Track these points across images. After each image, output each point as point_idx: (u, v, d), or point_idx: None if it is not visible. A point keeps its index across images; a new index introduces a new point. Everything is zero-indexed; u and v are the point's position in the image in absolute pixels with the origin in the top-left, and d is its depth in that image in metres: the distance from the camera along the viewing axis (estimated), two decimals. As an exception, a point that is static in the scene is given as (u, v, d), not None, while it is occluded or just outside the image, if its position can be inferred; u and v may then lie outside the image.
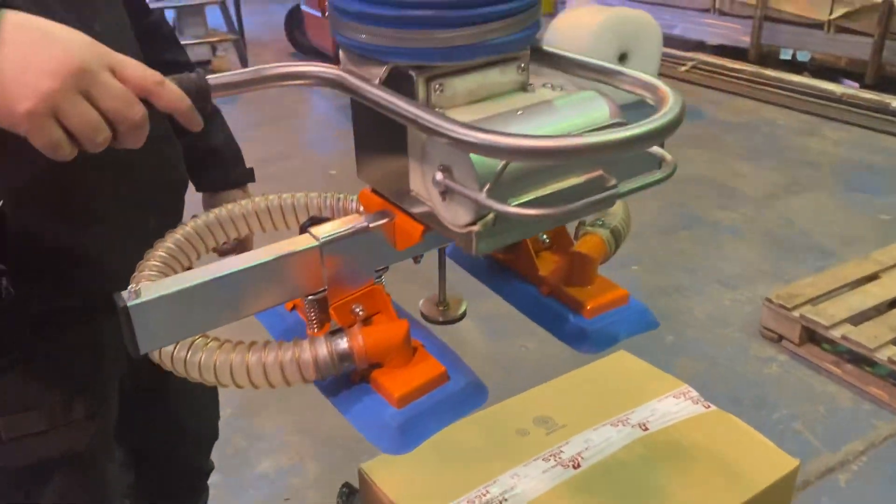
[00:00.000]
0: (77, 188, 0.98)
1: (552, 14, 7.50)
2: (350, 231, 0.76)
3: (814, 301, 2.62)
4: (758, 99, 5.41)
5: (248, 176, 1.41)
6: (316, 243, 0.74)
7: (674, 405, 1.44)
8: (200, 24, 6.76)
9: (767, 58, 5.95)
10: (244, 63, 6.48)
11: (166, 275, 0.76)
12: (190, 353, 0.71)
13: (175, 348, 0.72)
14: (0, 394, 1.00)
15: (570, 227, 0.96)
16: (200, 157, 1.36)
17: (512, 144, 0.56)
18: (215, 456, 1.53)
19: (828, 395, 2.42)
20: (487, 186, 0.60)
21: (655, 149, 0.69)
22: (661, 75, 5.56)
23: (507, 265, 0.93)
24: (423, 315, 0.90)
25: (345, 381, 0.76)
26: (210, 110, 0.72)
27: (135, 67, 0.65)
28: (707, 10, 6.31)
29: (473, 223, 0.64)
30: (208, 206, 1.38)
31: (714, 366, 2.58)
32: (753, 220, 3.61)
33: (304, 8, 6.54)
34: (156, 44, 1.26)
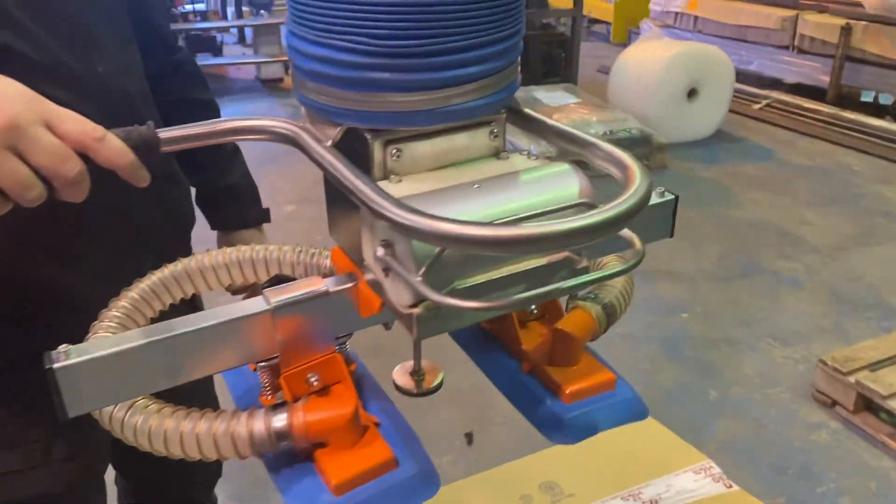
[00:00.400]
0: (64, 227, 0.96)
1: (626, 44, 7.40)
2: (307, 295, 0.70)
3: (873, 366, 2.44)
4: (834, 142, 5.17)
5: (264, 216, 1.39)
6: (267, 307, 0.69)
7: (692, 481, 1.34)
8: (275, 43, 6.92)
9: (846, 99, 5.69)
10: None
11: (127, 327, 0.73)
12: (128, 414, 0.68)
13: (115, 408, 0.68)
14: None
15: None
16: (215, 195, 1.34)
17: (439, 230, 0.50)
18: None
19: (881, 471, 2.24)
20: (423, 270, 0.54)
21: (625, 231, 0.62)
22: (732, 112, 5.39)
23: (493, 335, 0.87)
24: (395, 385, 0.85)
25: (290, 456, 0.71)
26: (155, 160, 0.68)
27: (73, 122, 0.62)
28: (786, 48, 6.10)
29: (415, 305, 0.58)
30: (222, 244, 1.36)
31: (759, 428, 2.43)
32: (817, 272, 3.42)
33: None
34: (180, 81, 1.26)
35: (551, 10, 6.11)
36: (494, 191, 0.61)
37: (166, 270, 0.82)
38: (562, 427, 0.75)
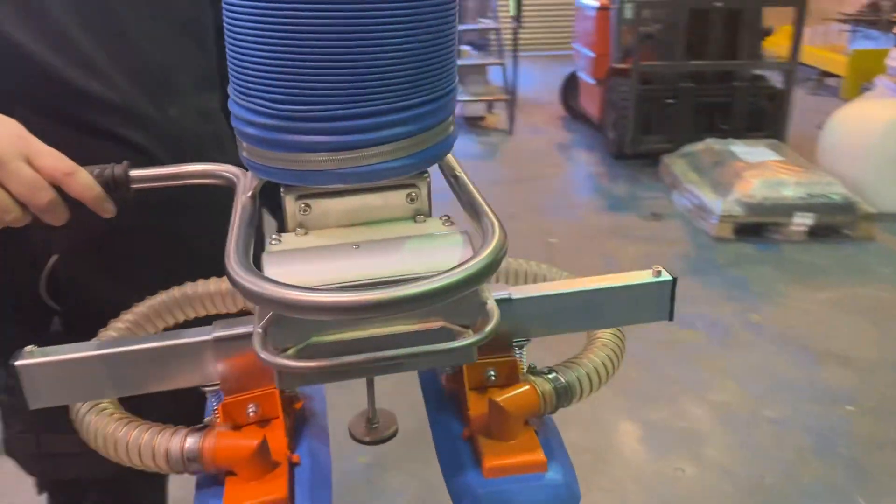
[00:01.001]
0: (124, 254, 1.08)
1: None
2: (248, 332, 0.75)
3: None
4: None
5: None
6: (208, 337, 0.75)
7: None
8: (481, 83, 7.18)
9: None
10: (511, 122, 6.74)
11: (136, 333, 0.83)
12: (87, 413, 0.76)
13: (80, 405, 0.77)
14: (42, 413, 1.13)
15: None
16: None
17: (257, 290, 0.52)
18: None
19: None
20: (261, 324, 0.57)
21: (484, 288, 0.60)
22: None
23: (451, 397, 0.86)
24: (350, 433, 0.87)
25: (210, 479, 0.76)
26: (130, 198, 0.77)
27: (48, 157, 0.72)
28: None
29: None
30: None
31: (911, 552, 2.10)
32: None
33: (579, 74, 6.66)
34: None
35: (765, 61, 5.75)
36: (373, 253, 0.62)
37: (169, 294, 0.91)
38: (473, 500, 0.73)
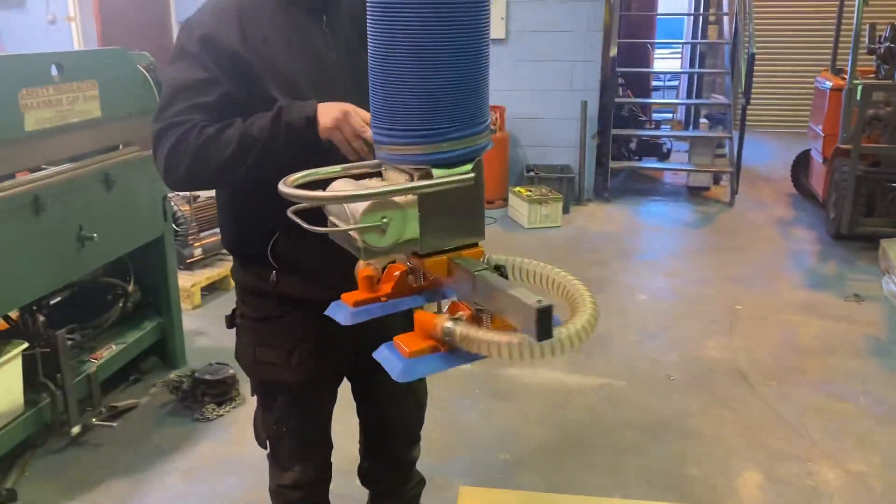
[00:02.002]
0: (315, 238, 1.66)
1: None
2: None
3: None
4: None
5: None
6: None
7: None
8: (707, 155, 7.35)
9: None
10: (733, 195, 6.82)
11: None
12: None
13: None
14: (261, 333, 1.77)
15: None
16: None
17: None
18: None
19: None
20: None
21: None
22: None
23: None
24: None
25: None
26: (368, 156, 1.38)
27: (364, 114, 1.39)
28: None
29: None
30: None
31: None
32: None
33: (812, 152, 6.60)
34: None
35: None
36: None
37: None
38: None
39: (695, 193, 7.28)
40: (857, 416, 3.18)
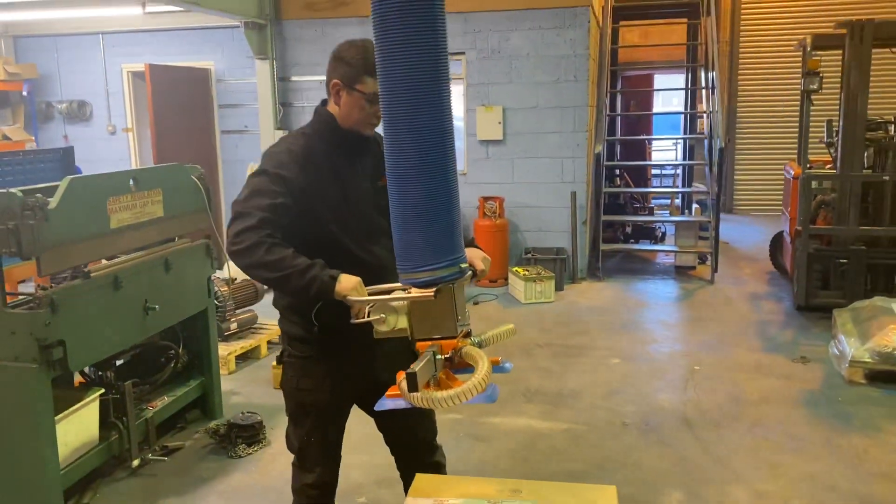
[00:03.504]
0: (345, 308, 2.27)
1: None
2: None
3: None
4: None
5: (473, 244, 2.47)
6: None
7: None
8: (691, 237, 8.10)
9: None
10: (713, 273, 7.52)
11: None
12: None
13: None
14: (302, 368, 2.44)
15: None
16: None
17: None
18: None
19: None
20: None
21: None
22: None
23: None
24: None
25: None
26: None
27: (363, 292, 2.12)
28: None
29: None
30: None
31: None
32: None
33: (784, 234, 7.32)
34: None
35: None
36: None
37: None
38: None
39: (681, 272, 7.99)
40: (774, 451, 3.80)
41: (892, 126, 6.16)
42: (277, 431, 4.10)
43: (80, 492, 3.43)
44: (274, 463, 3.79)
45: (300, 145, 2.27)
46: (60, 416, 3.16)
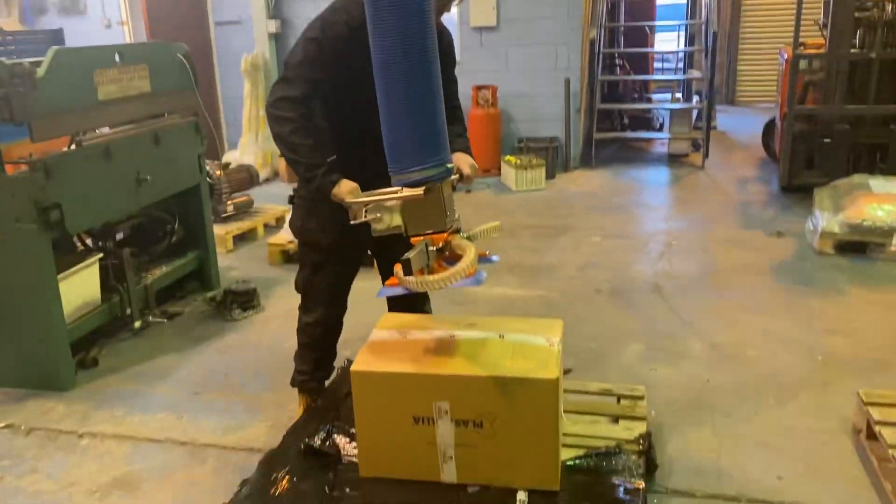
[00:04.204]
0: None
1: None
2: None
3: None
4: None
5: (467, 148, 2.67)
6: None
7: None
8: (685, 125, 8.15)
9: None
10: (703, 159, 7.61)
11: None
12: None
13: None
14: (309, 209, 2.64)
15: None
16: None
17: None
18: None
19: None
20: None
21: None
22: None
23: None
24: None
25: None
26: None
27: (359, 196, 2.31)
28: None
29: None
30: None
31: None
32: None
33: (776, 119, 7.36)
34: (450, 122, 2.23)
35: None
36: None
37: None
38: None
39: (674, 160, 8.08)
40: (734, 310, 4.03)
41: (882, 4, 6.09)
42: (271, 299, 4.37)
43: (86, 349, 3.72)
44: (267, 325, 4.07)
45: (359, 21, 2.19)
46: (63, 274, 3.40)
